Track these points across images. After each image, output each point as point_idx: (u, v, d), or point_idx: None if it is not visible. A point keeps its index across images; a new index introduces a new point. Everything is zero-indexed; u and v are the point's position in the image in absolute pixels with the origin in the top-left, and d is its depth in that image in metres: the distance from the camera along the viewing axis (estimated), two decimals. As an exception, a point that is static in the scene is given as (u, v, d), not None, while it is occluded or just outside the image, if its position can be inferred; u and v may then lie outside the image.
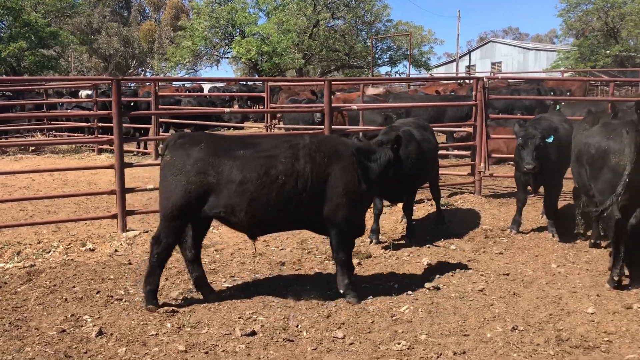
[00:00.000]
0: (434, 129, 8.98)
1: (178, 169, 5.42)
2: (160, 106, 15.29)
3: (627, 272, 6.13)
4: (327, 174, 5.51)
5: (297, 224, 5.91)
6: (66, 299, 5.83)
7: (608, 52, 41.73)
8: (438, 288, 6.03)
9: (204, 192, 5.40)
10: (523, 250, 7.48)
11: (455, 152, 12.99)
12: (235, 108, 26.65)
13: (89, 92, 21.95)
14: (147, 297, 5.54)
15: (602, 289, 6.00)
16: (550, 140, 7.48)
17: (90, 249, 7.52)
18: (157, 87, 14.95)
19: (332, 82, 9.51)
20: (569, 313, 5.39)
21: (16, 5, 32.52)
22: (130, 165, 9.04)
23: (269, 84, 13.05)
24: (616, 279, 5.93)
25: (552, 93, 18.24)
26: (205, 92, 31.30)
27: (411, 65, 36.43)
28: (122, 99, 16.84)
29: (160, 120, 15.50)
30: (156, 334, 5.00)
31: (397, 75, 40.74)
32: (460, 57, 61.61)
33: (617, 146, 5.83)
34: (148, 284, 5.55)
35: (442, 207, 8.92)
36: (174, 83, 35.38)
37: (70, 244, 7.71)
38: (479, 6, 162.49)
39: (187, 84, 33.83)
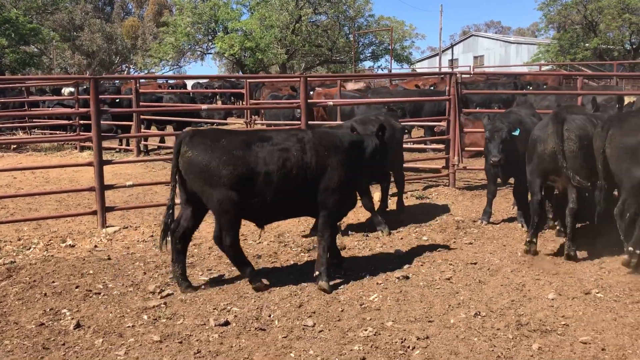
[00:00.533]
0: (411, 123, 9.24)
1: (206, 164, 5.65)
2: (141, 103, 15.37)
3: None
4: (326, 166, 6.00)
5: (299, 211, 6.43)
6: (45, 294, 5.97)
7: (587, 45, 42.26)
8: (407, 277, 6.26)
9: (236, 183, 5.70)
10: (492, 240, 7.72)
11: (433, 145, 13.22)
12: (218, 104, 26.74)
13: (72, 89, 22.00)
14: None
15: (564, 276, 6.26)
16: (516, 133, 7.71)
17: (70, 245, 7.66)
18: (137, 85, 15.03)
19: (309, 79, 9.69)
20: (531, 299, 5.63)
21: (-4, 2, 32.34)
22: (109, 162, 9.15)
23: (248, 81, 13.19)
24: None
25: (529, 86, 18.58)
26: (189, 88, 31.34)
27: (393, 60, 36.66)
28: (105, 96, 16.98)
29: (142, 117, 15.58)
30: (132, 326, 5.17)
31: (380, 70, 40.97)
32: (443, 51, 61.94)
33: (543, 136, 6.78)
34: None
35: (418, 199, 9.16)
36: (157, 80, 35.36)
37: (50, 240, 7.84)
38: (462, 0, 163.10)
39: (171, 81, 33.83)
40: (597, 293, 5.73)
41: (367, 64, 44.82)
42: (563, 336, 4.85)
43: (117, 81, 29.55)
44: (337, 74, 29.07)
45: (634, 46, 42.06)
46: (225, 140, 5.81)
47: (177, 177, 5.85)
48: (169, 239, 6.00)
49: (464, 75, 10.90)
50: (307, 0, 37.66)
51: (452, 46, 65.92)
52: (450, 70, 16.65)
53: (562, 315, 5.23)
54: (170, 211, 5.99)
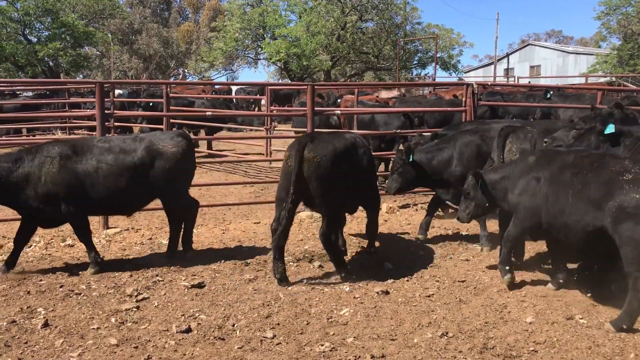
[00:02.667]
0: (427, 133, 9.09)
1: (335, 168, 6.28)
2: (171, 107, 15.65)
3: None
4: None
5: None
6: (29, 292, 6.13)
7: (648, 56, 40.49)
8: (387, 292, 6.10)
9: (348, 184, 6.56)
10: (491, 258, 7.44)
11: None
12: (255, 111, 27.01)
13: (121, 91, 22.75)
14: None
15: (552, 298, 5.96)
16: None
17: (69, 244, 7.85)
18: (168, 89, 15.32)
19: (316, 87, 9.65)
20: (507, 322, 5.38)
21: (54, 7, 33.67)
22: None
23: (269, 88, 13.25)
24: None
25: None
26: (233, 94, 31.77)
27: (440, 68, 36.17)
28: (140, 99, 17.40)
29: (172, 121, 15.86)
30: (97, 328, 5.23)
31: (426, 79, 40.47)
32: (499, 60, 60.74)
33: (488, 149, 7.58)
34: None
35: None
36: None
37: (52, 239, 8.06)
38: (521, 9, 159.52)
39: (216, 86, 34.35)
40: (581, 319, 5.42)
41: (414, 71, 44.43)
42: (527, 363, 4.61)
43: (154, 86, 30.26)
44: (350, 83, 28.91)
45: (697, 58, 40.03)
46: (341, 144, 6.48)
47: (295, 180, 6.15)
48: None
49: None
50: (353, 7, 37.62)
51: (507, 55, 64.48)
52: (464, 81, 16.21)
53: (533, 340, 4.97)
54: (287, 213, 6.22)
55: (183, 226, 7.37)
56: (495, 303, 5.84)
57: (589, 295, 5.94)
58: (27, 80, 26.73)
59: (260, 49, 40.87)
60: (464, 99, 10.17)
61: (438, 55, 35.25)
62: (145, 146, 6.90)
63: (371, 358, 4.64)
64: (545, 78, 49.85)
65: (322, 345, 4.84)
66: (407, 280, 6.52)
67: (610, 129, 5.90)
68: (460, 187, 6.82)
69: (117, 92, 24.03)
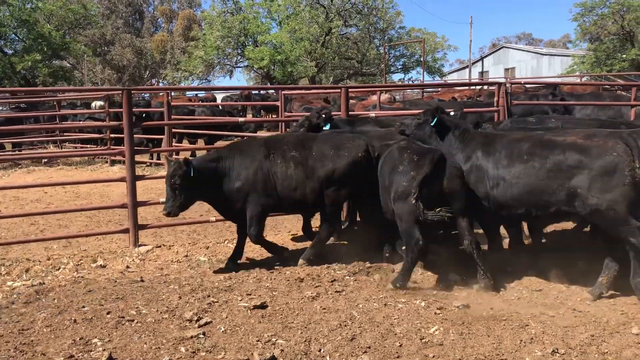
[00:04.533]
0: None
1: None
2: (173, 116, 15.05)
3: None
4: None
5: None
6: (75, 320, 5.52)
7: (624, 56, 41.10)
8: (468, 306, 5.68)
9: None
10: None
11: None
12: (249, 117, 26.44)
13: (102, 102, 21.90)
14: None
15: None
16: None
17: (101, 265, 7.25)
18: (169, 97, 14.73)
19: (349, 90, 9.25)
20: (612, 334, 4.99)
21: (30, 18, 32.63)
22: (142, 177, 8.75)
23: (283, 92, 12.77)
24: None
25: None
26: (219, 101, 31.15)
27: (425, 72, 36.08)
28: (134, 109, 16.70)
29: (173, 130, 15.26)
30: (170, 360, 4.69)
31: (410, 82, 40.37)
32: (473, 64, 61.25)
33: None
34: None
35: None
36: (187, 93, 35.28)
37: (80, 260, 7.45)
38: (491, 13, 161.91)
39: (200, 94, 33.71)
40: None
41: (398, 76, 44.34)
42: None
43: (147, 95, 29.48)
44: (377, 85, 28.58)
45: (674, 57, 40.74)
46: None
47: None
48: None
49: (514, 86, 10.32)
50: (338, 13, 37.34)
51: (482, 58, 65.09)
52: (503, 79, 15.98)
53: None
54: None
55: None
56: (587, 313, 5.46)
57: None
58: (47, 89, 25.47)
59: (241, 57, 40.27)
60: (495, 99, 9.82)
61: (422, 59, 35.14)
62: None
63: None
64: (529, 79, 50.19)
65: (430, 370, 4.38)
66: (483, 292, 6.09)
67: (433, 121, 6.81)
68: None
69: (98, 103, 23.15)
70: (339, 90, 9.37)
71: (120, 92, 9.13)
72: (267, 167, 7.03)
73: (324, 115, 8.60)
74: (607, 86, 19.92)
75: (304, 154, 7.05)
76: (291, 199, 7.11)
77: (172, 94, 24.97)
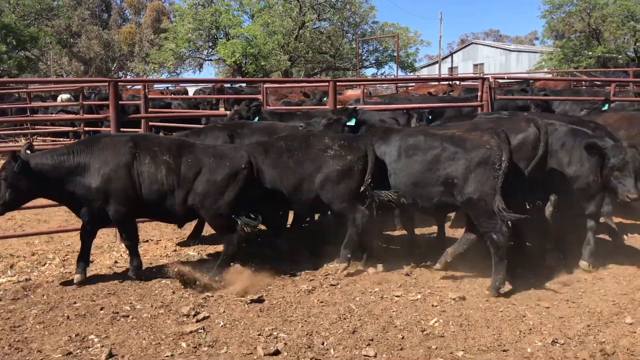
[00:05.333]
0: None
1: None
2: (150, 109, 14.78)
3: None
4: None
5: None
6: (68, 317, 5.41)
7: (591, 53, 41.97)
8: (464, 298, 5.74)
9: None
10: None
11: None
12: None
13: (68, 95, 21.35)
14: None
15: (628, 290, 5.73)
16: None
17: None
18: (146, 90, 14.46)
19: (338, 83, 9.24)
20: (608, 324, 5.11)
21: (-6, 8, 31.75)
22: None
23: (265, 85, 12.66)
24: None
25: (542, 93, 18.06)
26: (190, 95, 30.74)
27: (398, 67, 36.26)
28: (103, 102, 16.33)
29: (150, 124, 14.99)
30: (171, 355, 4.62)
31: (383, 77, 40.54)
32: (443, 59, 61.77)
33: None
34: None
35: None
36: (156, 87, 34.69)
37: (67, 255, 7.29)
38: (459, 9, 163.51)
39: (171, 87, 33.20)
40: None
41: (370, 71, 44.46)
42: None
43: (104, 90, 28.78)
44: (364, 78, 28.51)
45: (638, 54, 41.78)
46: None
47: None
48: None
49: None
50: (311, 7, 37.20)
51: (451, 54, 65.64)
52: (481, 75, 16.09)
53: None
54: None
55: None
56: (581, 304, 5.57)
57: None
58: (34, 80, 24.37)
59: (212, 50, 39.79)
60: (479, 94, 9.91)
61: (396, 54, 35.28)
62: None
63: None
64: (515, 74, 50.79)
65: (436, 361, 4.41)
66: (480, 284, 6.16)
67: (352, 122, 7.00)
68: None
69: (65, 96, 22.57)
70: (327, 84, 9.32)
71: (106, 83, 8.91)
72: (133, 168, 6.18)
73: (254, 108, 8.78)
74: (584, 82, 20.31)
75: (177, 159, 6.22)
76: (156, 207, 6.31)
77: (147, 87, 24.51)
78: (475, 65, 60.92)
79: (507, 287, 6.04)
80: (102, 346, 4.78)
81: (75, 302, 5.77)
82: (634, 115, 8.41)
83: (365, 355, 4.56)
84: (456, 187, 5.98)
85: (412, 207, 6.46)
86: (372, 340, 4.84)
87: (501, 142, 5.88)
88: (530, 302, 5.65)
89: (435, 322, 5.18)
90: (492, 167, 5.85)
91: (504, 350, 4.62)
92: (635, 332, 4.91)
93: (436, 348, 4.69)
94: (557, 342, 4.73)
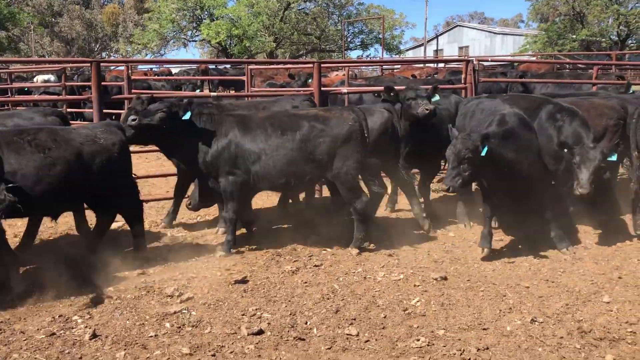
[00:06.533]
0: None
1: None
2: (133, 90, 14.65)
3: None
4: None
5: None
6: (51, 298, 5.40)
7: (575, 36, 42.18)
8: (445, 278, 5.81)
9: None
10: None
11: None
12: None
13: (46, 77, 21.01)
14: None
15: (606, 269, 5.85)
16: None
17: (70, 242, 7.06)
18: (130, 71, 14.34)
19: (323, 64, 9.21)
20: (585, 303, 5.21)
21: (-28, -14, 31.10)
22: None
23: (250, 66, 12.58)
24: None
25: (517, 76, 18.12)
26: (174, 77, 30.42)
27: (383, 49, 36.15)
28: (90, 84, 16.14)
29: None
30: (155, 335, 4.64)
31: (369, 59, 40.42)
32: (428, 42, 61.67)
33: None
34: None
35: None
36: (140, 67, 34.29)
37: (49, 237, 7.25)
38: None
39: (155, 68, 32.85)
40: (654, 295, 5.33)
41: (356, 53, 44.31)
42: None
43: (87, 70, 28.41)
44: (349, 60, 28.42)
45: (621, 37, 42.06)
46: None
47: None
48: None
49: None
50: (297, -13, 36.95)
51: (437, 36, 65.55)
52: (466, 57, 16.07)
53: (626, 321, 4.80)
54: None
55: None
56: (560, 283, 5.67)
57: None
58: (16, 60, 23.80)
59: (197, 31, 39.40)
60: (463, 76, 9.95)
61: (381, 36, 35.13)
62: None
63: (477, 351, 4.32)
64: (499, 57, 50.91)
65: (418, 340, 4.48)
66: (461, 264, 6.24)
67: (187, 115, 6.48)
68: None
69: (42, 77, 22.22)
70: (312, 65, 9.29)
71: (88, 64, 8.81)
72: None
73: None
74: (567, 65, 20.43)
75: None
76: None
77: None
78: (460, 48, 60.96)
79: (489, 267, 6.14)
80: (86, 327, 4.79)
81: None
82: None
83: (347, 334, 4.61)
84: (325, 163, 6.43)
85: (285, 186, 6.70)
86: (354, 319, 4.89)
87: (360, 120, 6.48)
88: (510, 282, 5.73)
89: (417, 301, 5.25)
90: (355, 142, 6.40)
91: (484, 329, 4.70)
92: (611, 310, 5.01)
93: (417, 327, 4.76)
94: (536, 321, 4.81)
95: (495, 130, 6.15)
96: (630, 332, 4.63)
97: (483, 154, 5.85)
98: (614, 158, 6.40)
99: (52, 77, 21.05)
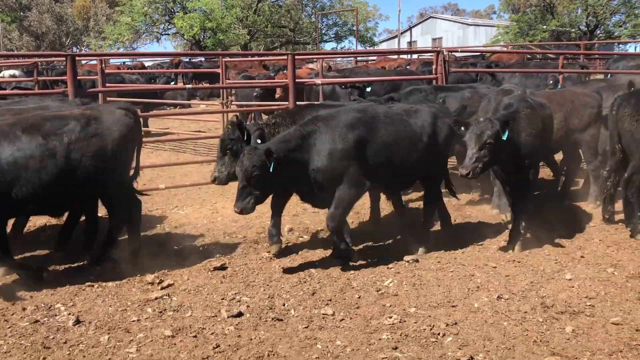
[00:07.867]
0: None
1: None
2: (107, 84, 14.63)
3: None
4: None
5: None
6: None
7: (545, 27, 42.84)
8: (417, 261, 6.06)
9: None
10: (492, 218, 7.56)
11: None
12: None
13: (13, 72, 20.75)
14: None
15: (570, 250, 6.15)
16: None
17: (49, 234, 7.15)
18: (103, 65, 14.30)
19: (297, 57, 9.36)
20: (549, 280, 5.49)
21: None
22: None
23: (224, 59, 12.67)
24: None
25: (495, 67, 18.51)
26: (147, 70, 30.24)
27: (357, 41, 36.34)
28: (64, 78, 16.04)
29: (108, 99, 14.85)
30: (138, 320, 4.80)
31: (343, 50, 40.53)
32: (402, 34, 61.98)
33: None
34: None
35: None
36: (112, 62, 33.99)
37: (28, 228, 7.31)
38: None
39: (128, 62, 32.61)
40: (614, 272, 5.63)
41: (330, 45, 44.47)
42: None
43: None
44: (323, 51, 28.58)
45: (590, 28, 42.85)
46: None
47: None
48: None
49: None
50: (270, -21, 36.87)
51: (410, 28, 65.90)
52: (438, 48, 16.29)
53: (585, 296, 5.10)
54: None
55: None
56: (526, 263, 5.94)
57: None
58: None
59: (170, 24, 39.14)
60: (434, 67, 10.20)
61: (355, 28, 35.32)
62: None
63: (446, 326, 4.56)
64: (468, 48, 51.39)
65: (390, 317, 4.70)
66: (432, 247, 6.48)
67: None
68: None
69: (8, 72, 21.90)
70: (285, 57, 9.45)
71: (63, 58, 8.84)
72: None
73: None
74: (537, 55, 20.85)
75: None
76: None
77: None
78: (434, 40, 61.38)
79: (459, 249, 6.39)
80: (69, 314, 4.92)
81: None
82: None
83: (324, 314, 4.82)
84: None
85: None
86: (330, 300, 5.11)
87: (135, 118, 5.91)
88: (478, 262, 6.00)
89: (390, 282, 5.48)
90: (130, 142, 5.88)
91: (453, 306, 4.95)
92: (573, 287, 5.29)
93: (390, 305, 4.98)
94: (502, 298, 5.08)
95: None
96: (589, 305, 4.91)
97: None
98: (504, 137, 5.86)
99: (16, 72, 20.82)
